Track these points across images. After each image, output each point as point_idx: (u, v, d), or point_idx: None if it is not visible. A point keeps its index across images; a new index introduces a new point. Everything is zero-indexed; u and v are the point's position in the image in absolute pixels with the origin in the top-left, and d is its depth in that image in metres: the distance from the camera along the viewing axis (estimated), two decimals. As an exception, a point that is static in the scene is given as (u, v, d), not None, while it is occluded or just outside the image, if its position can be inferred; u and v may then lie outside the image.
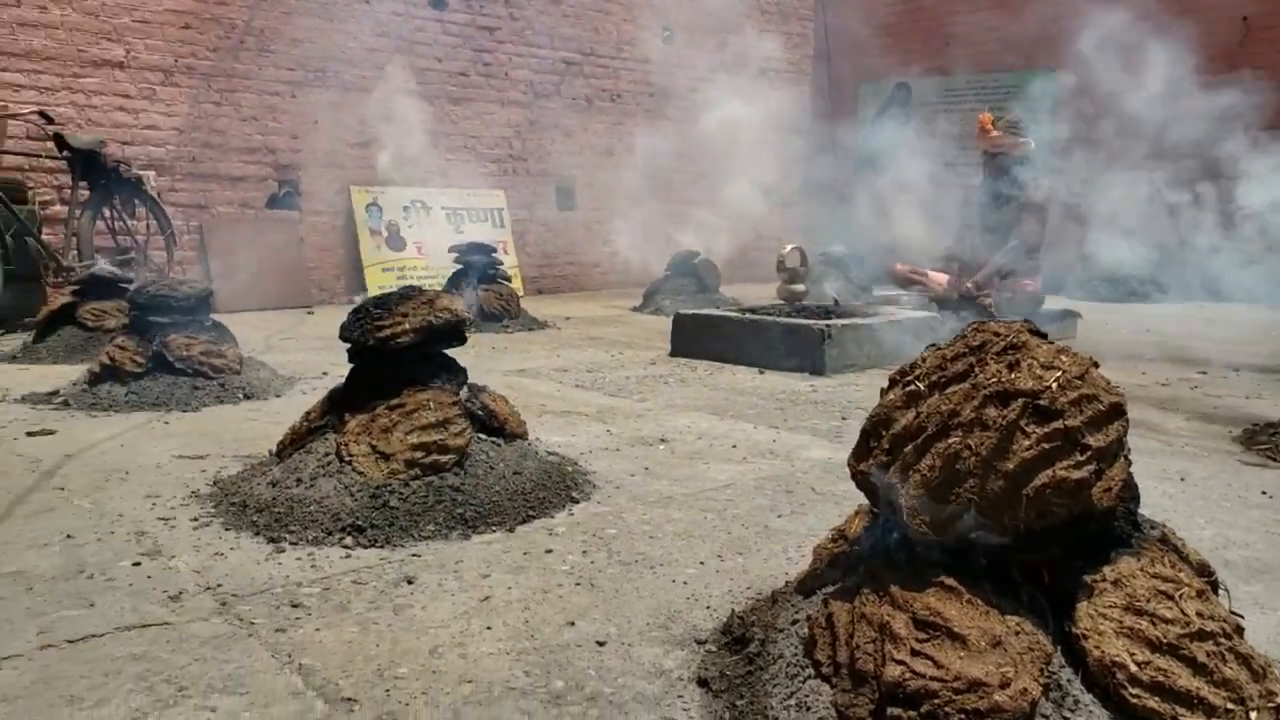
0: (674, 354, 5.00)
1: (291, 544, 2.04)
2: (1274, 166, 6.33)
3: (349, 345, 2.41)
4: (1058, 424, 1.25)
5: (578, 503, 2.40)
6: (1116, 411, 1.27)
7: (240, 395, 3.63)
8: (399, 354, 2.35)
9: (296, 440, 2.38)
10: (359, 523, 2.08)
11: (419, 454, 2.23)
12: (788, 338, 4.53)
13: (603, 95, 9.33)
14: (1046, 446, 1.25)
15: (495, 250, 6.59)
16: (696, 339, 4.90)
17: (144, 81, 6.73)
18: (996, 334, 1.38)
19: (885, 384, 1.47)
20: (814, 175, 10.35)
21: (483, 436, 2.43)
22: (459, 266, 6.41)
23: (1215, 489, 2.64)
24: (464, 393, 2.47)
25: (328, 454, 2.26)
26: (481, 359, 4.71)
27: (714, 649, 1.61)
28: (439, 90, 8.23)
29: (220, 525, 2.17)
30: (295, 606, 1.74)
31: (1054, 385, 1.27)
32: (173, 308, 3.68)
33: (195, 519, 2.22)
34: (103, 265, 4.90)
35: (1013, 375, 1.30)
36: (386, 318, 2.33)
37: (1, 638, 1.61)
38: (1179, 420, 3.53)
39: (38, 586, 1.83)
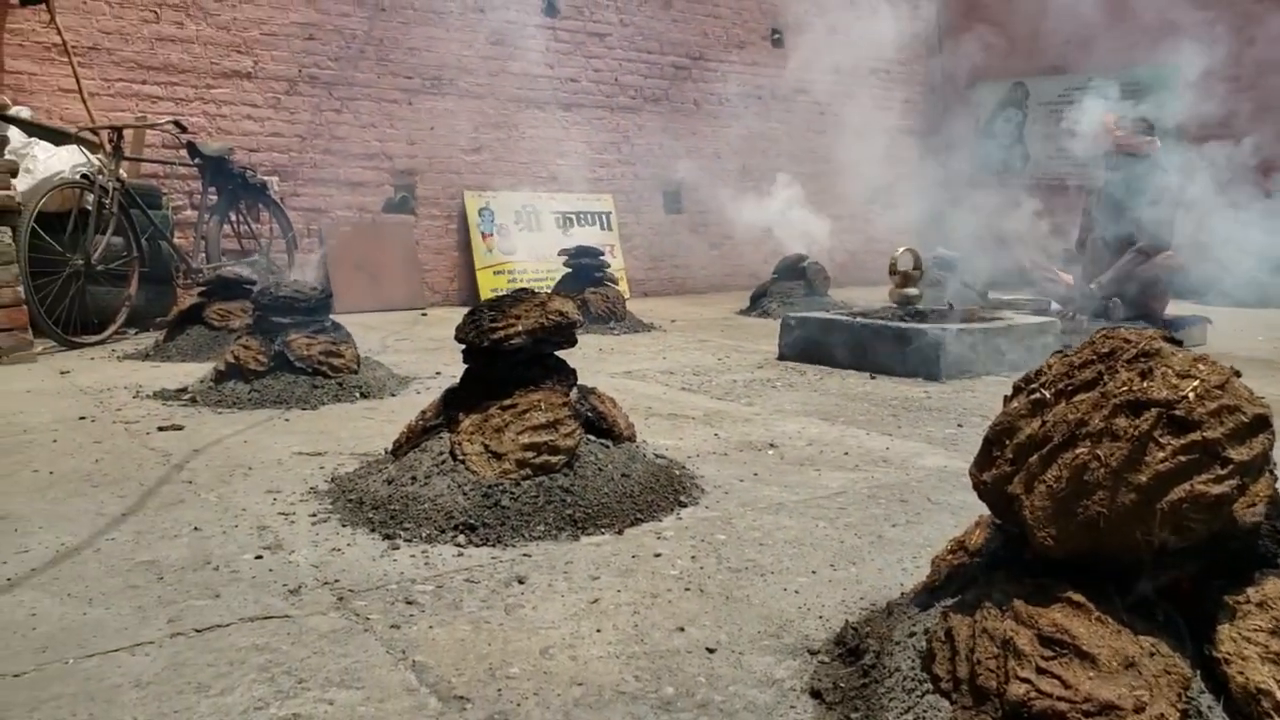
0: (781, 358, 4.94)
1: (406, 541, 2.10)
2: None
3: (464, 346, 2.48)
4: (1195, 435, 1.18)
5: (685, 507, 2.40)
6: (1261, 423, 1.19)
7: (357, 394, 3.77)
8: (512, 355, 2.39)
9: (412, 439, 2.46)
10: (471, 521, 2.13)
11: (530, 454, 2.27)
12: (901, 342, 4.42)
13: (710, 99, 9.32)
14: (1183, 459, 1.18)
15: (602, 253, 6.67)
16: (805, 343, 4.84)
17: (270, 91, 7.09)
18: (1127, 340, 1.31)
19: (1007, 391, 1.41)
20: (927, 176, 10.08)
21: (592, 438, 2.45)
22: (568, 269, 6.51)
23: (1374, 508, 2.44)
24: (574, 394, 2.50)
25: (442, 453, 2.33)
26: (589, 361, 4.76)
27: (827, 659, 1.58)
28: (550, 96, 8.38)
29: (337, 521, 2.25)
30: (409, 603, 1.79)
31: (1191, 395, 1.20)
32: (294, 309, 3.85)
33: (314, 514, 2.30)
34: (228, 268, 5.16)
35: (1145, 384, 1.24)
36: (500, 319, 2.38)
37: (135, 624, 1.70)
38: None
39: (168, 576, 1.93)
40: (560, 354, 2.58)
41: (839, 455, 2.95)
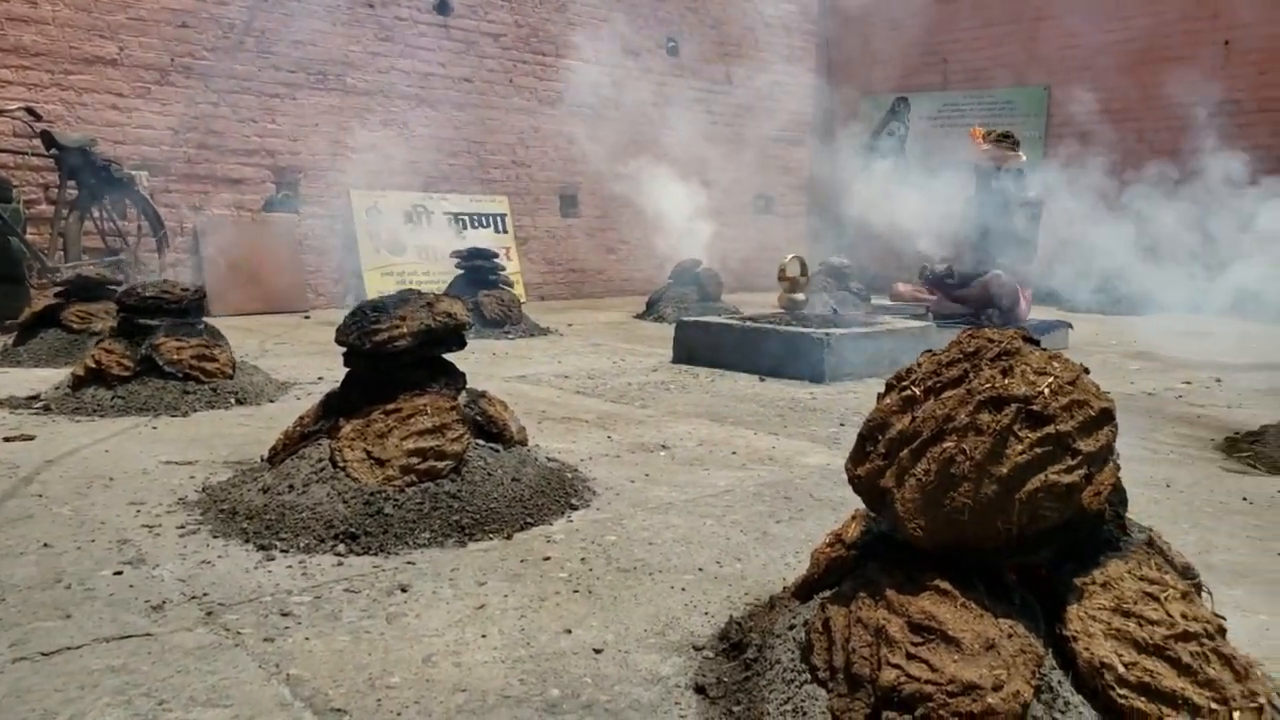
0: (676, 361, 4.99)
1: (282, 551, 2.03)
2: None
3: (345, 349, 2.41)
4: (1050, 429, 1.25)
5: (577, 509, 2.39)
6: (1106, 416, 1.27)
7: (232, 400, 3.61)
8: (396, 358, 2.34)
9: (289, 445, 2.38)
10: (352, 530, 2.08)
11: (415, 460, 2.22)
12: (788, 346, 4.53)
13: (607, 104, 9.35)
14: (1039, 451, 1.24)
15: (497, 256, 6.60)
16: (698, 346, 4.90)
17: (138, 80, 6.73)
18: (990, 340, 1.38)
19: (882, 389, 1.46)
20: (816, 187, 10.38)
21: (481, 443, 2.42)
22: (460, 272, 6.42)
23: (1199, 495, 2.66)
24: (462, 398, 2.46)
25: (321, 460, 2.26)
26: (483, 365, 4.71)
27: (711, 655, 1.60)
28: (442, 95, 8.25)
29: (208, 533, 2.15)
30: (285, 615, 1.73)
31: (1046, 391, 1.27)
32: (163, 310, 3.66)
33: (182, 526, 2.19)
34: (90, 266, 4.87)
35: (1006, 381, 1.30)
36: (384, 321, 2.32)
37: (-28, 650, 1.57)
38: (1165, 428, 3.54)
39: (11, 597, 1.79)
40: (450, 357, 2.54)
41: (727, 455, 3.00)
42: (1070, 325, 5.98)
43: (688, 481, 2.68)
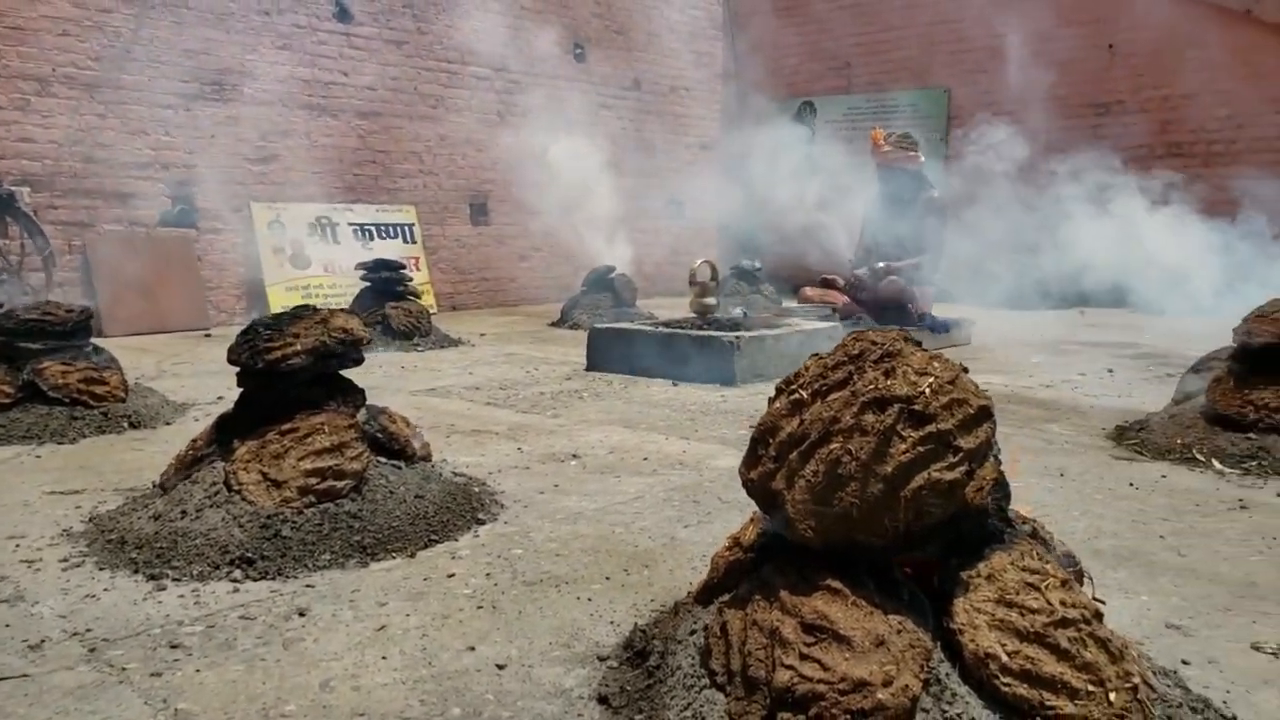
0: (589, 369, 4.99)
1: (174, 580, 1.95)
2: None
3: (238, 368, 2.33)
4: (931, 428, 1.28)
5: (484, 524, 2.37)
6: (984, 414, 1.31)
7: (125, 424, 3.45)
8: (291, 376, 2.28)
9: (182, 470, 2.29)
10: (249, 555, 2.01)
11: (313, 480, 2.16)
12: (699, 350, 4.56)
13: (514, 110, 9.30)
14: (922, 450, 1.28)
15: (404, 266, 6.49)
16: (611, 353, 4.90)
17: (16, 91, 6.39)
18: (874, 343, 1.41)
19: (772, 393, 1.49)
20: (728, 191, 10.50)
21: (382, 460, 2.37)
22: (367, 284, 6.29)
23: (1089, 483, 2.78)
24: (362, 415, 2.41)
25: (215, 483, 2.18)
26: (390, 379, 4.62)
27: (615, 665, 1.60)
28: (345, 104, 8.08)
29: (94, 565, 2.05)
30: (174, 648, 1.66)
31: (927, 391, 1.31)
32: (47, 332, 3.49)
33: (65, 559, 2.09)
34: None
35: (889, 382, 1.33)
36: (276, 338, 2.26)
37: None
38: (1061, 419, 3.69)
39: (-125, 642, 1.68)
40: (357, 373, 2.48)
41: (639, 461, 3.00)
42: (974, 321, 6.18)
43: (598, 490, 2.67)
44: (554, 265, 9.36)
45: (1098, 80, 8.99)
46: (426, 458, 2.56)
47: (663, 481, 2.76)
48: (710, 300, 5.28)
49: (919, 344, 1.43)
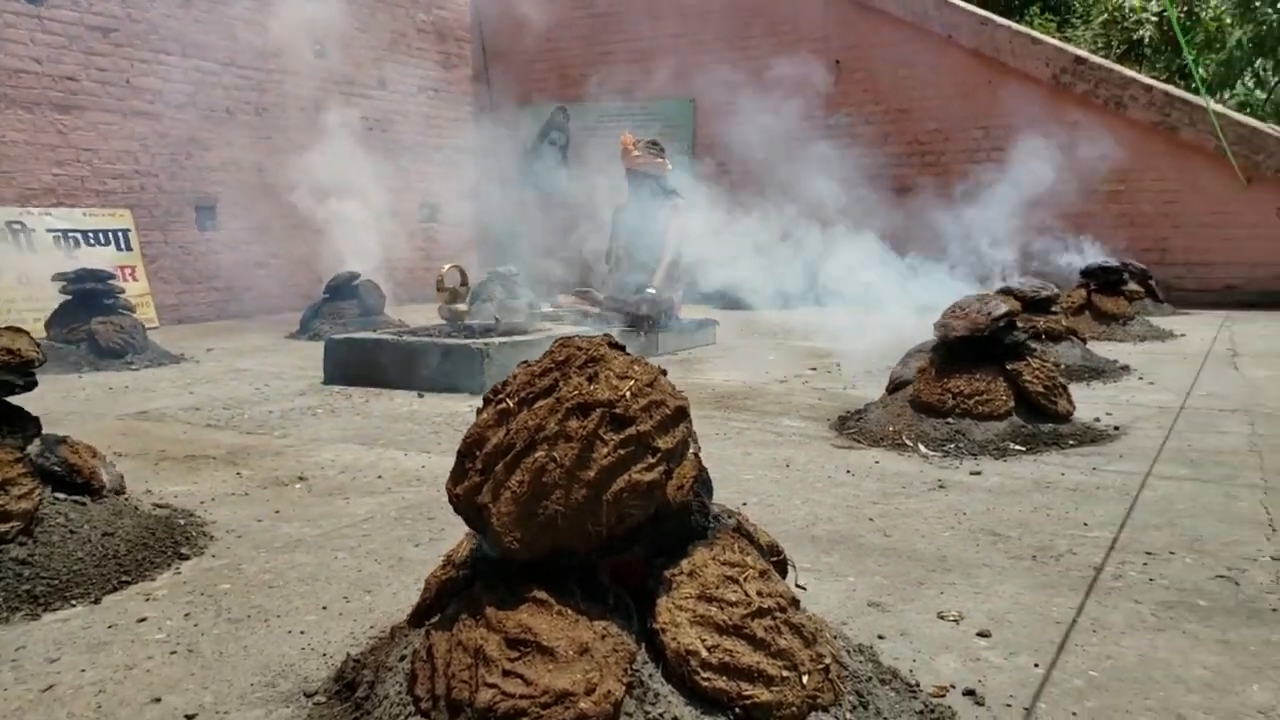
0: (327, 382, 4.72)
1: None
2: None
3: None
4: (632, 430, 1.29)
5: (188, 559, 2.15)
6: (681, 414, 1.34)
7: None
8: (-63, 406, 1.95)
9: None
10: (-123, 618, 1.69)
11: (-33, 524, 1.86)
12: (446, 359, 4.44)
13: (246, 107, 8.67)
14: (623, 452, 1.28)
15: (113, 277, 5.85)
16: (351, 365, 4.67)
17: None
18: (579, 348, 1.40)
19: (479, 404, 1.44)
20: (484, 194, 10.38)
21: (61, 496, 2.10)
22: (68, 297, 5.61)
23: (812, 472, 2.95)
24: (34, 447, 2.11)
25: None
26: (94, 403, 4.12)
27: (323, 700, 1.49)
28: (40, 96, 7.18)
29: None
30: None
31: (628, 394, 1.31)
32: None
33: None
34: None
35: (592, 387, 1.33)
36: (-84, 364, 1.93)
37: None
38: (792, 412, 3.92)
39: None
40: (52, 398, 2.19)
41: (372, 480, 2.86)
42: (717, 322, 6.47)
43: (323, 514, 2.51)
44: (294, 272, 8.82)
45: (826, 94, 9.72)
46: (120, 491, 2.29)
47: (396, 500, 2.64)
48: (460, 306, 5.16)
49: (622, 348, 1.43)
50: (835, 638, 1.49)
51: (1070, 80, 8.73)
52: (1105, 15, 13.14)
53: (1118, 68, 8.96)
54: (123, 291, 5.84)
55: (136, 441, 3.35)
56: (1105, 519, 2.42)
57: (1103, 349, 5.44)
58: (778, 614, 1.31)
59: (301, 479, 2.87)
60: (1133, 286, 7.23)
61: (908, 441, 3.26)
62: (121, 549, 2.07)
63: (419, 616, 1.47)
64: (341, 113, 9.34)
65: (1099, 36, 12.95)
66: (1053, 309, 5.04)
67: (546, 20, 10.80)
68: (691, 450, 1.35)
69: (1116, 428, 3.48)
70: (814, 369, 5.11)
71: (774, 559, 1.53)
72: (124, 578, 1.99)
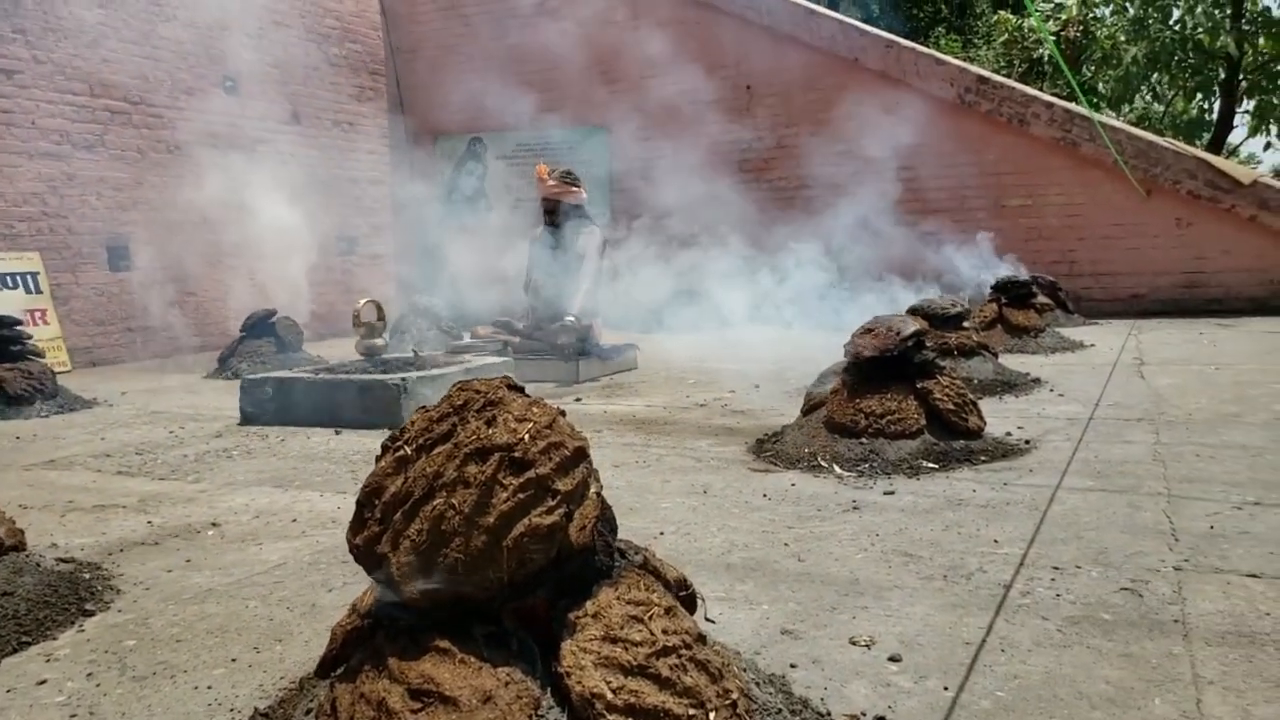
0: (244, 423, 4.62)
1: None
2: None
3: None
4: (530, 473, 1.30)
5: (92, 615, 2.08)
6: (580, 454, 1.36)
7: None
8: None
9: None
10: None
11: None
12: (364, 395, 4.39)
13: (158, 146, 8.47)
14: (522, 496, 1.29)
15: (19, 322, 5.63)
16: (268, 405, 4.58)
17: None
18: (478, 391, 1.41)
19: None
20: (403, 227, 10.29)
21: (-48, 558, 2.02)
22: (-33, 345, 5.39)
23: (729, 497, 2.96)
24: (-78, 508, 2.03)
25: None
26: (-3, 455, 3.98)
27: (230, 760, 1.46)
28: (-65, 137, 6.91)
29: None
30: None
31: (526, 437, 1.33)
32: None
33: None
34: None
35: (490, 431, 1.34)
36: None
37: None
38: (710, 436, 3.94)
39: None
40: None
41: (286, 524, 2.81)
42: (638, 347, 6.50)
43: (235, 561, 2.46)
44: (211, 311, 8.63)
45: (740, 119, 9.90)
46: (19, 546, 2.22)
47: (310, 544, 2.60)
48: (378, 341, 5.11)
49: (521, 390, 1.45)
50: (745, 670, 1.52)
51: (974, 99, 9.05)
52: (1006, 35, 13.71)
53: (1020, 86, 9.31)
54: (30, 337, 5.64)
55: (42, 493, 3.24)
56: (1015, 535, 2.45)
57: (1015, 362, 5.61)
58: (683, 651, 1.33)
59: (214, 525, 2.80)
60: (1043, 299, 7.50)
61: (823, 463, 3.29)
62: (21, 608, 2.00)
63: (325, 668, 1.46)
64: (255, 148, 9.20)
65: (1001, 56, 13.49)
66: (964, 324, 5.20)
67: (463, 52, 10.80)
68: (593, 490, 1.37)
69: (1027, 441, 3.56)
70: (733, 391, 5.15)
71: (682, 594, 1.55)
72: (24, 638, 1.93)
